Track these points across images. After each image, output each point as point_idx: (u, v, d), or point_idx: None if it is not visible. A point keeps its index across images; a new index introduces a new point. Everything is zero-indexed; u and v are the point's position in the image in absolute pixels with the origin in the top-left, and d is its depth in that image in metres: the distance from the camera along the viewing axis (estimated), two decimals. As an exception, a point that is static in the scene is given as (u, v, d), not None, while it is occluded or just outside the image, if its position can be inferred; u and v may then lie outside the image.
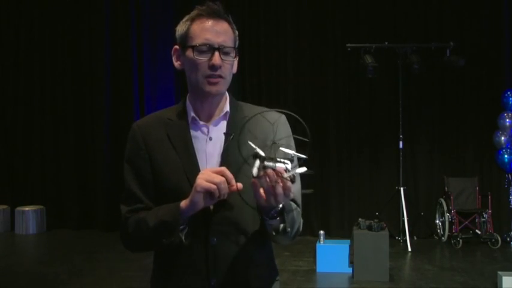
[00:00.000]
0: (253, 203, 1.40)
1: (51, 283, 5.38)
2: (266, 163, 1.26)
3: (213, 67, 1.49)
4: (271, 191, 1.28)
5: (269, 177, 1.26)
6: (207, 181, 1.37)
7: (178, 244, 1.45)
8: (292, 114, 1.33)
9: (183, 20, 1.56)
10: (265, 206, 1.36)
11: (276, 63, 7.68)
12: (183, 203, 1.42)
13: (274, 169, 1.26)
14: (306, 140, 1.31)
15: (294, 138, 1.49)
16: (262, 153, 1.27)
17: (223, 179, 1.38)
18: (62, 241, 7.46)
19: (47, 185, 8.21)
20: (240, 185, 1.39)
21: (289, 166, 1.27)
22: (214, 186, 1.37)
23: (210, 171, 1.39)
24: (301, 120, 1.27)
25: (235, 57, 1.55)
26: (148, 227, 1.46)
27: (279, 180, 1.27)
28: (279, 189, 1.27)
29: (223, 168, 1.40)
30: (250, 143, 1.29)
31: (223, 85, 1.53)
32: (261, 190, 1.30)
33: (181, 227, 1.44)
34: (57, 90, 8.19)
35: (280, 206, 1.40)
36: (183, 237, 1.45)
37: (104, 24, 7.96)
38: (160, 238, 1.45)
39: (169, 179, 1.52)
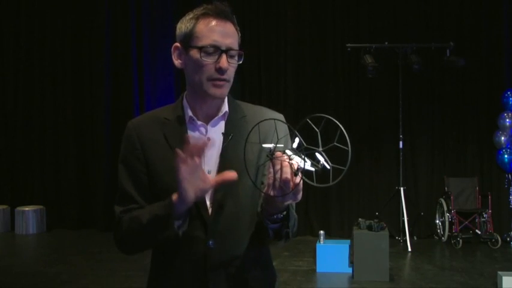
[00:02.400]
0: (255, 207, 1.43)
1: (51, 283, 5.38)
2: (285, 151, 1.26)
3: (220, 70, 1.45)
4: (279, 173, 1.26)
5: (278, 160, 1.25)
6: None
7: (174, 240, 1.40)
8: (333, 119, 1.26)
9: (187, 17, 1.49)
10: (271, 203, 1.35)
11: (276, 63, 7.67)
12: (175, 196, 1.37)
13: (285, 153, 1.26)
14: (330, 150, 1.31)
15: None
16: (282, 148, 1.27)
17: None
18: (62, 241, 7.45)
19: (47, 185, 8.20)
20: (234, 174, 1.35)
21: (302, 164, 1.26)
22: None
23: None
24: (340, 125, 1.23)
25: (239, 60, 1.51)
26: (142, 223, 1.42)
27: (286, 164, 1.25)
28: (286, 174, 1.25)
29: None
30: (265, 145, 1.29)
31: (227, 88, 1.50)
32: (270, 171, 1.27)
33: (178, 224, 1.39)
34: (57, 90, 8.19)
35: (284, 213, 1.39)
36: (180, 233, 1.40)
37: (104, 24, 7.96)
38: (154, 233, 1.41)
39: (164, 179, 1.48)
